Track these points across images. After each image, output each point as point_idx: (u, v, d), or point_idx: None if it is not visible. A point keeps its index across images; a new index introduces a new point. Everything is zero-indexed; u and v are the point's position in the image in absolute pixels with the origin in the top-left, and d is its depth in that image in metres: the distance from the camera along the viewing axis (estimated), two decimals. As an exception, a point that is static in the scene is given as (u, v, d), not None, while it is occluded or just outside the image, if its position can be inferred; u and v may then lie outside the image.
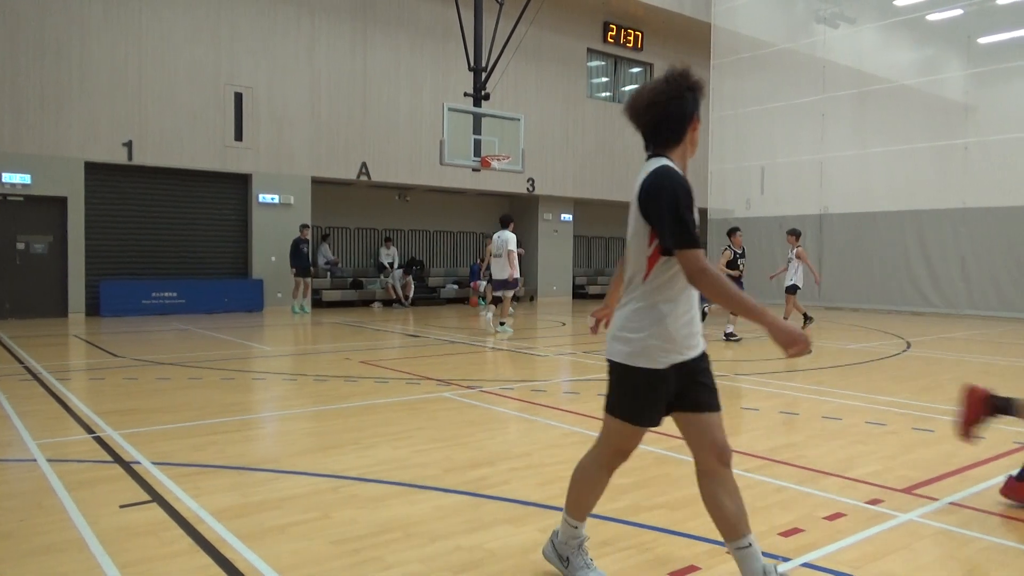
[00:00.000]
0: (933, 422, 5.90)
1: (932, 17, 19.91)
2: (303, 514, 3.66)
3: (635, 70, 24.56)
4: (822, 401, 6.75)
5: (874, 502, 3.90)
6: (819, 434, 5.46)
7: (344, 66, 17.93)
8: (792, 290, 13.44)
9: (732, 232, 12.51)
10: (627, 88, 24.45)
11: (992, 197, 17.84)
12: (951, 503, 3.91)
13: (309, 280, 16.86)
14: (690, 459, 4.75)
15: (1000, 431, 5.57)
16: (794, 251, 13.52)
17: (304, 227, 16.62)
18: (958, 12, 19.32)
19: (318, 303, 18.19)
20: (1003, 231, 17.57)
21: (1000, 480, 4.06)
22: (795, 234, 13.71)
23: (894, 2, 20.22)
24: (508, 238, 12.24)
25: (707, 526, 3.50)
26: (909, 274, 18.97)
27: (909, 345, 11.52)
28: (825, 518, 3.65)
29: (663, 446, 5.02)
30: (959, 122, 19.59)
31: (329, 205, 19.46)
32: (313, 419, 5.98)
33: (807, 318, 13.58)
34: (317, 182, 18.16)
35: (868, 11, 20.73)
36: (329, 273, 19.07)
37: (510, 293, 12.36)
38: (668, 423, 5.27)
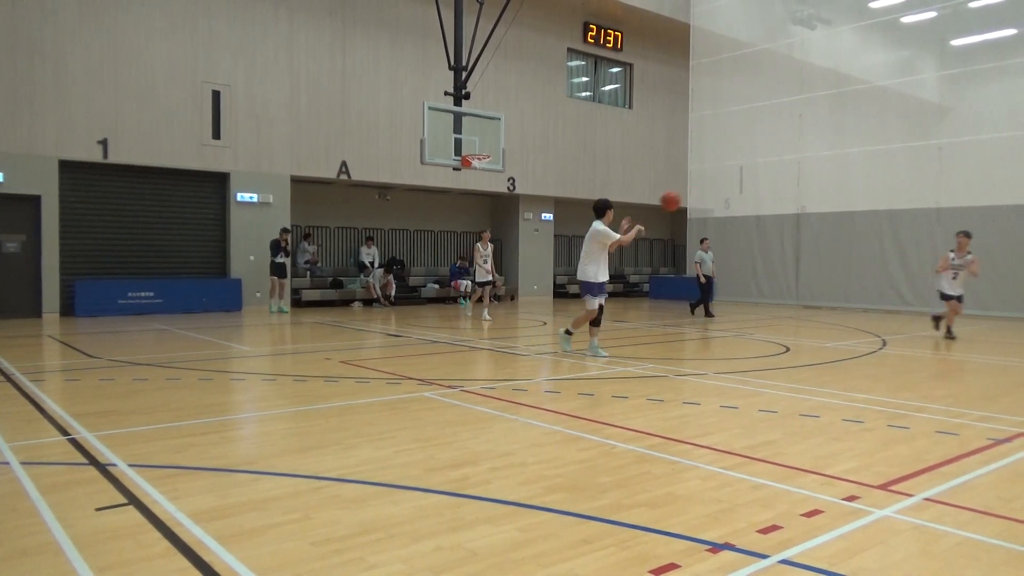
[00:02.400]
0: (909, 419, 5.98)
1: (906, 19, 20.17)
2: (283, 515, 3.63)
3: (615, 70, 24.65)
4: (800, 399, 6.82)
5: (851, 499, 3.95)
6: (797, 432, 5.52)
7: (324, 64, 17.83)
8: (961, 298, 12.29)
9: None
10: (607, 88, 24.54)
11: (966, 197, 18.11)
12: (926, 499, 3.96)
13: (286, 280, 16.74)
14: (671, 457, 4.81)
15: (973, 428, 5.67)
16: (968, 256, 12.06)
17: (284, 231, 16.48)
18: (932, 14, 19.58)
19: (297, 303, 18.07)
20: (976, 231, 17.81)
21: (973, 476, 4.12)
22: (970, 236, 12.22)
23: (869, 4, 20.46)
24: (598, 230, 9.47)
25: (687, 524, 3.53)
26: (885, 273, 19.22)
27: (885, 343, 11.67)
28: (803, 515, 3.68)
29: (644, 444, 5.05)
30: (934, 123, 19.88)
31: (309, 204, 19.33)
32: (293, 420, 5.94)
33: (947, 328, 12.33)
34: (297, 181, 18.04)
35: (844, 13, 20.97)
36: (308, 272, 18.95)
37: (596, 303, 9.58)
38: (648, 420, 5.29)
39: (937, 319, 12.83)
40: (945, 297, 12.34)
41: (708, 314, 16.39)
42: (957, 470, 4.51)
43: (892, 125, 20.04)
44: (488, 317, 14.82)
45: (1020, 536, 3.45)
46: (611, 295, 25.04)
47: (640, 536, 3.40)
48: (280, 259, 16.33)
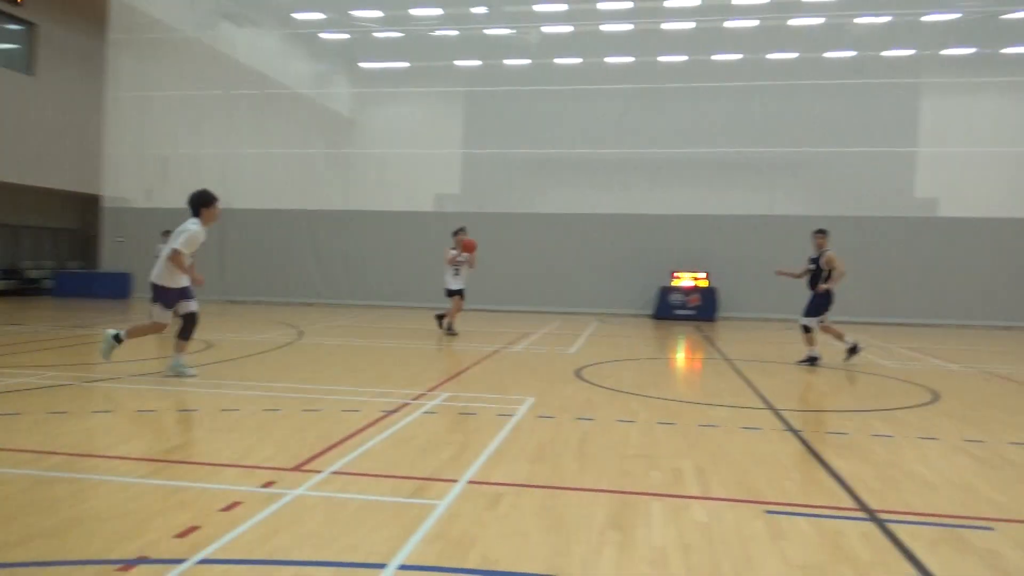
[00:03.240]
0: (320, 402, 6.58)
1: (325, 36, 22.09)
2: None
3: (14, 27, 20.72)
4: (221, 394, 6.87)
5: (268, 484, 4.17)
6: (218, 428, 5.56)
7: None
8: (463, 293, 12.64)
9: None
10: (2, 47, 20.51)
11: (368, 201, 20.79)
12: (333, 472, 4.44)
13: None
14: (77, 475, 4.30)
15: (371, 403, 6.56)
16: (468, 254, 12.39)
17: None
18: (346, 36, 21.87)
19: None
20: (381, 231, 20.60)
21: (370, 445, 4.78)
22: (462, 231, 12.78)
23: (292, 14, 21.71)
24: (186, 231, 7.62)
25: (96, 546, 3.25)
26: (303, 268, 20.73)
27: (302, 334, 12.60)
28: (222, 510, 3.73)
29: (42, 466, 4.41)
30: (346, 133, 22.27)
31: None
32: None
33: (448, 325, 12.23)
34: None
35: (269, 17, 21.82)
36: None
37: (168, 315, 7.84)
38: (48, 438, 4.72)
39: (441, 317, 13.09)
40: (451, 293, 12.75)
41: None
42: (358, 442, 5.17)
43: (311, 131, 21.74)
44: None
45: (403, 490, 4.14)
46: (3, 294, 21.05)
47: (36, 574, 2.98)
48: None
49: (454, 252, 12.71)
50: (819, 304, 10.08)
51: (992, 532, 3.70)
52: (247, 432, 5.42)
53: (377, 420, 5.89)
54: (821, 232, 10.24)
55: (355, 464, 4.64)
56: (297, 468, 4.51)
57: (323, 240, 20.77)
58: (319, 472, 4.43)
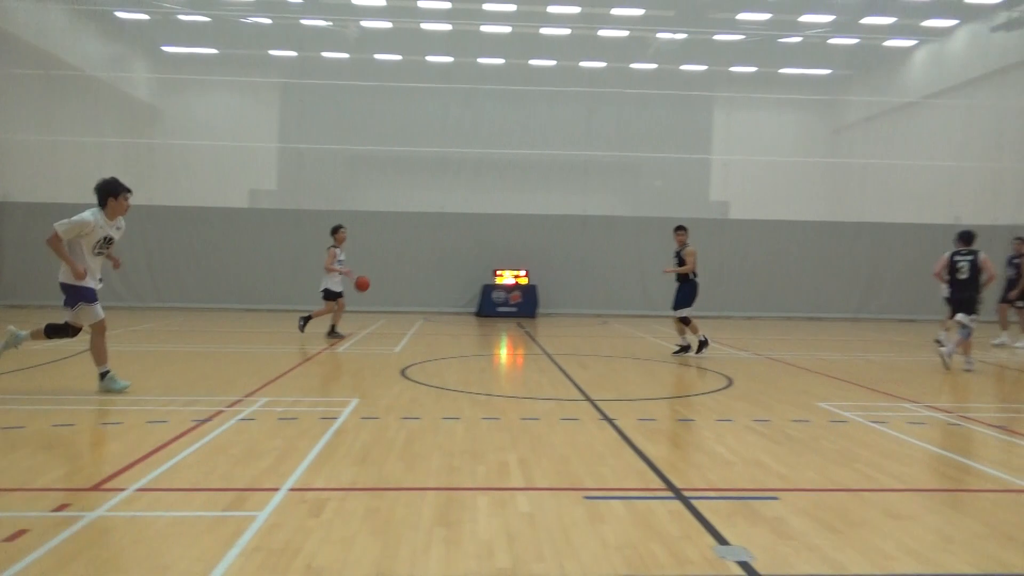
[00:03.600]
0: (121, 414, 6.05)
1: (120, 14, 20.20)
2: None
3: None
4: (2, 411, 6.12)
5: (61, 508, 3.77)
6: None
7: None
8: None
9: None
10: None
11: (174, 196, 19.28)
12: (138, 489, 4.10)
13: None
14: None
15: (181, 412, 6.13)
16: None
17: None
18: (144, 16, 20.16)
19: None
20: (189, 228, 19.22)
21: (181, 457, 4.46)
22: (338, 230, 12.47)
23: (77, -11, 19.67)
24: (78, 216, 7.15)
25: None
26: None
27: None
28: (4, 540, 3.34)
29: None
30: (147, 122, 20.55)
31: None
32: None
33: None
34: None
35: (52, -10, 19.61)
36: None
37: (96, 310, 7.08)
38: None
39: (333, 328, 12.37)
40: (332, 295, 12.26)
41: None
42: (167, 455, 4.80)
43: (105, 119, 19.80)
44: None
45: (219, 503, 3.91)
46: None
47: None
48: None
49: (337, 250, 12.35)
50: (688, 294, 10.89)
51: (778, 501, 4.15)
52: (34, 451, 4.86)
53: (188, 430, 5.51)
54: (681, 229, 11.18)
55: (163, 479, 4.31)
56: (96, 487, 4.12)
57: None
58: (122, 490, 4.08)
